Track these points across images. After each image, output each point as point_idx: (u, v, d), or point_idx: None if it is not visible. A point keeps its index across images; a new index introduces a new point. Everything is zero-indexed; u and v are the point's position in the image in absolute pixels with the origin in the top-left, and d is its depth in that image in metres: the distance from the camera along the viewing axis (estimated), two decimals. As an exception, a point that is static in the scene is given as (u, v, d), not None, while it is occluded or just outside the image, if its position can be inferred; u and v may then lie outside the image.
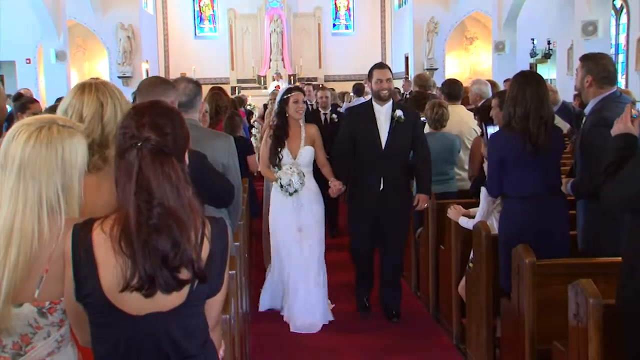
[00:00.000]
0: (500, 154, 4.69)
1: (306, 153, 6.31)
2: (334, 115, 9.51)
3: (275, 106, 6.59)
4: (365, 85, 14.94)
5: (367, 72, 6.43)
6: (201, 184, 3.51)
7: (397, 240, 6.48)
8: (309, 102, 9.47)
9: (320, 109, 9.72)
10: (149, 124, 2.12)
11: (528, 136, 4.49)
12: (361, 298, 6.76)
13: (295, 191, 6.16)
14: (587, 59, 4.66)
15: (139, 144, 2.09)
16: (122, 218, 2.09)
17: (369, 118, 6.22)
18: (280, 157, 6.21)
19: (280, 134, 6.25)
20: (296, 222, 6.34)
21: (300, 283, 6.35)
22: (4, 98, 3.21)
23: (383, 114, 6.21)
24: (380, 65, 6.46)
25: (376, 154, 6.15)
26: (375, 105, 6.26)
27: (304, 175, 6.17)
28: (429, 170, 6.33)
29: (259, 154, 7.77)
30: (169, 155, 2.12)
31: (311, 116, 9.10)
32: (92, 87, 2.76)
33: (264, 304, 6.84)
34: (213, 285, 2.25)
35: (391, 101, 6.29)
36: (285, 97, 6.28)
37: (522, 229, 4.54)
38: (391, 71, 6.42)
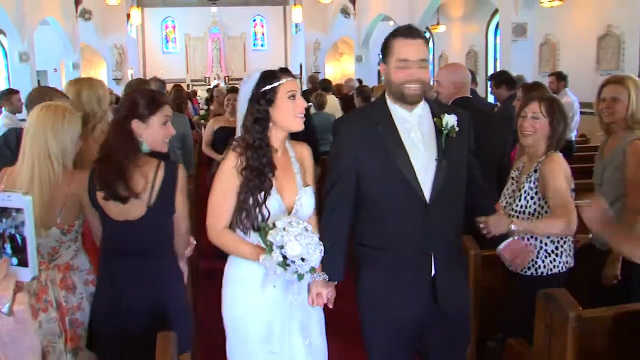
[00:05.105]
0: None
1: (307, 199, 1.91)
2: None
3: (245, 103, 1.85)
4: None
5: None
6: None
7: (462, 352, 2.05)
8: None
9: None
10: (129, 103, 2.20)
11: None
12: None
13: (313, 269, 1.74)
14: None
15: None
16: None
17: (391, 139, 1.81)
18: (265, 213, 1.79)
19: (262, 167, 1.81)
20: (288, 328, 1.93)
21: None
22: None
23: (416, 127, 1.84)
24: (409, 33, 1.81)
25: (416, 208, 1.80)
26: (398, 111, 1.85)
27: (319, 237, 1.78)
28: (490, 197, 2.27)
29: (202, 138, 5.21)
30: (129, 124, 2.10)
31: None
32: (75, 80, 2.75)
33: None
34: (166, 203, 2.12)
35: (423, 101, 1.88)
36: (271, 85, 1.81)
37: None
38: (427, 43, 1.85)
